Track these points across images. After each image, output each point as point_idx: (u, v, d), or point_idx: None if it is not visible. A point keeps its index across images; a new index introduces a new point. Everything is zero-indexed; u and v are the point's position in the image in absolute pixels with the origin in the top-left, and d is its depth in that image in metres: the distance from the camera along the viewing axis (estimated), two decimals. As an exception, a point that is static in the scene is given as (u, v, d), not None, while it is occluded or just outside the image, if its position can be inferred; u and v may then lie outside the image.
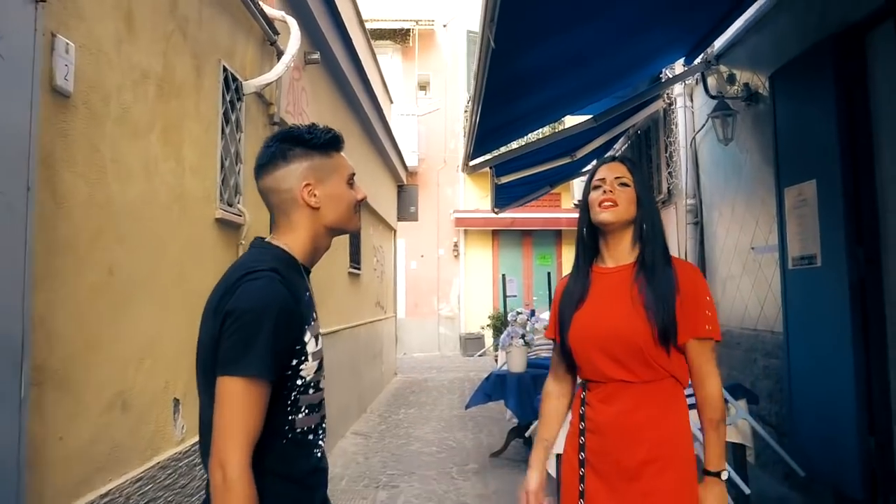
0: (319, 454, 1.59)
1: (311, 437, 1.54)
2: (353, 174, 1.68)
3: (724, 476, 1.92)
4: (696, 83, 6.30)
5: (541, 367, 6.19)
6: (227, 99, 3.73)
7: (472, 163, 5.70)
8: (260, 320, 1.38)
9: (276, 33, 4.40)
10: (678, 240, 6.78)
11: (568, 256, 16.36)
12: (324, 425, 1.61)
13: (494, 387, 5.94)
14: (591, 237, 2.10)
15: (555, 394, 2.20)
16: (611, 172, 2.06)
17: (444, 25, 17.20)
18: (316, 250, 1.64)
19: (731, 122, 5.42)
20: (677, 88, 6.54)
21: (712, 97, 5.78)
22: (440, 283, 16.62)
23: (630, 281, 2.00)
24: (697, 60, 5.98)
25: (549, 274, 11.85)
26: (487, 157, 6.02)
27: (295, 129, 1.65)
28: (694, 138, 6.42)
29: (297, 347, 1.47)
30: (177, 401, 3.03)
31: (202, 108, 3.37)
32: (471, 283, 16.61)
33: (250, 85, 3.96)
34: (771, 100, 4.68)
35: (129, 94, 2.64)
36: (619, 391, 1.96)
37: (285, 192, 1.58)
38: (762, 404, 4.82)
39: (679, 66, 6.35)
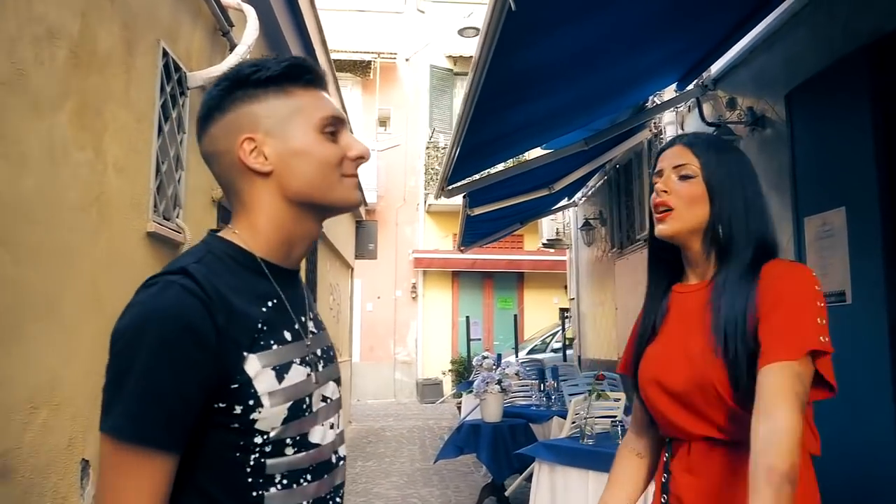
0: None
1: None
2: (335, 118, 1.11)
3: None
4: (689, 110, 5.87)
5: (518, 417, 5.60)
6: (168, 89, 3.09)
7: (449, 187, 5.13)
8: (132, 347, 0.93)
9: (231, 25, 3.80)
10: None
11: (530, 301, 15.87)
12: (338, 499, 1.12)
13: (467, 438, 5.30)
14: (662, 249, 1.57)
15: (631, 449, 1.65)
16: (670, 161, 1.51)
17: (407, 59, 16.80)
18: (288, 239, 1.10)
19: (733, 149, 4.96)
20: (667, 116, 6.10)
21: (709, 124, 5.33)
22: (397, 326, 15.90)
23: (703, 304, 1.44)
24: (691, 86, 5.55)
25: (515, 317, 11.25)
26: (465, 181, 5.46)
27: (237, 67, 1.12)
28: (684, 169, 5.96)
29: (233, 385, 0.97)
30: (85, 462, 2.32)
31: (133, 92, 2.72)
32: (429, 327, 15.92)
33: (196, 77, 3.33)
34: (787, 122, 4.23)
35: (29, 52, 1.99)
36: (706, 455, 1.42)
37: (224, 154, 1.08)
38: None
39: (669, 93, 5.92)
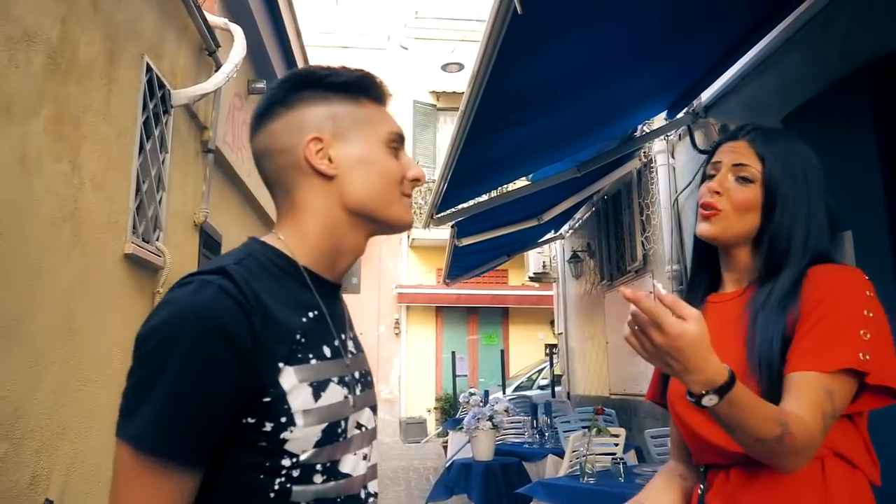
0: None
1: None
2: (400, 136, 1.09)
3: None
4: (680, 138, 5.81)
5: (510, 455, 5.39)
6: (151, 106, 2.94)
7: (438, 215, 5.00)
8: (164, 349, 0.85)
9: (217, 45, 3.67)
10: (656, 311, 6.16)
11: (515, 337, 15.69)
12: None
13: (457, 478, 5.07)
14: (707, 251, 1.43)
15: (671, 470, 1.49)
16: (730, 157, 1.35)
17: (391, 95, 16.80)
18: (336, 248, 1.05)
19: (728, 176, 4.89)
20: (657, 145, 6.03)
21: (702, 152, 5.27)
22: (380, 363, 15.61)
23: (740, 313, 1.29)
24: (681, 114, 5.50)
25: (501, 352, 11.07)
26: (454, 210, 5.34)
27: (309, 67, 1.10)
28: (677, 199, 5.88)
29: (265, 399, 0.89)
30: (49, 503, 2.11)
31: (115, 105, 2.57)
32: (412, 364, 15.65)
33: (181, 95, 3.19)
34: (784, 145, 4.15)
35: (2, 53, 1.84)
36: (746, 484, 1.23)
37: (283, 153, 1.03)
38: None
39: (659, 121, 5.86)
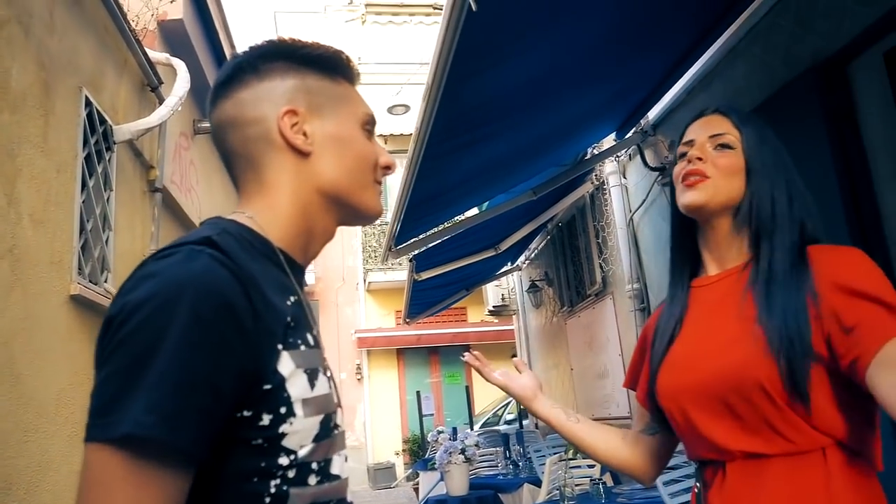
0: None
1: None
2: (374, 120, 1.03)
3: None
4: (630, 158, 5.86)
5: (486, 487, 5.26)
6: (92, 141, 2.82)
7: (397, 247, 4.91)
8: (160, 322, 0.71)
9: (160, 81, 3.57)
10: (620, 331, 6.15)
11: (478, 374, 15.54)
12: None
13: (433, 516, 4.91)
14: (685, 234, 1.37)
15: (624, 434, 1.45)
16: (704, 130, 1.32)
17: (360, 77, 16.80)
18: (308, 231, 0.96)
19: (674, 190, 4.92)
20: (609, 167, 6.08)
21: (653, 169, 5.32)
22: (344, 410, 15.28)
23: (739, 292, 1.22)
24: (630, 134, 5.55)
25: (466, 388, 10.92)
26: (412, 241, 5.27)
27: (280, 39, 1.02)
28: (632, 218, 5.91)
29: (266, 386, 0.78)
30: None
31: (52, 139, 2.45)
32: (377, 408, 15.37)
33: (123, 131, 3.07)
34: (736, 154, 4.20)
35: (-76, 74, 1.72)
36: (749, 478, 1.15)
37: (252, 123, 0.94)
38: None
39: (608, 143, 5.91)
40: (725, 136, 1.30)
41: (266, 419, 0.79)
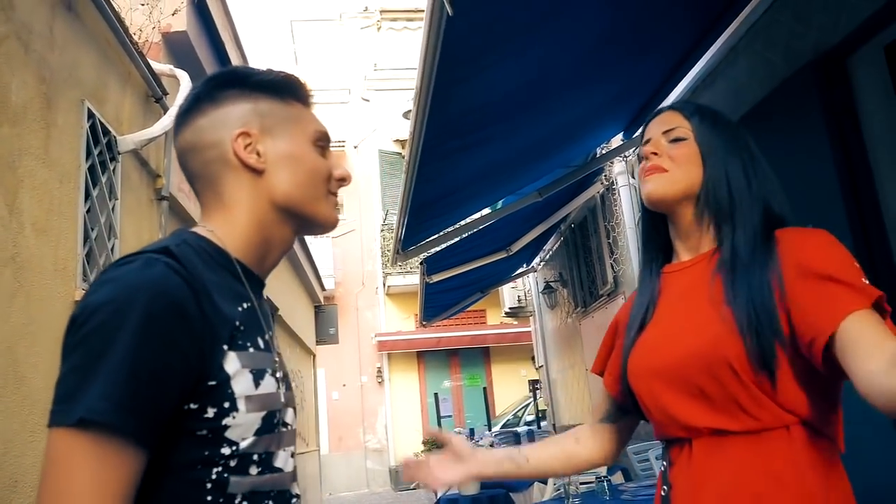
0: None
1: None
2: (327, 135, 1.11)
3: None
4: (639, 158, 5.85)
5: (497, 487, 5.28)
6: (96, 153, 2.90)
7: (404, 250, 4.96)
8: (116, 322, 0.80)
9: (164, 92, 3.65)
10: (632, 331, 6.14)
11: (498, 375, 15.57)
12: None
13: (445, 515, 4.95)
14: (654, 225, 1.42)
15: (576, 435, 1.49)
16: (658, 127, 1.36)
17: (355, 147, 16.92)
18: (264, 242, 1.05)
19: (688, 188, 4.92)
20: (617, 167, 6.09)
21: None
22: (365, 414, 15.39)
23: (709, 276, 1.26)
24: (637, 133, 5.56)
25: (484, 389, 10.95)
26: (420, 244, 5.31)
27: (234, 67, 1.16)
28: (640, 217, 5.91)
29: (211, 382, 0.87)
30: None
31: (54, 150, 2.53)
32: (398, 411, 15.45)
33: (127, 141, 3.15)
34: (737, 150, 4.20)
35: (-78, 91, 1.80)
36: (714, 452, 1.18)
37: (210, 147, 1.03)
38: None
39: (616, 143, 5.92)
40: (677, 129, 1.33)
41: (210, 412, 0.87)
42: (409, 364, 15.80)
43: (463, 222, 5.42)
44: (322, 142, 1.10)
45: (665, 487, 1.27)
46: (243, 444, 0.90)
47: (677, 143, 1.32)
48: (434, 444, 11.36)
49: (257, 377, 0.93)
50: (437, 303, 8.22)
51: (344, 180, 1.11)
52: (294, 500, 1.02)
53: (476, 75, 3.15)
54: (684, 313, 1.28)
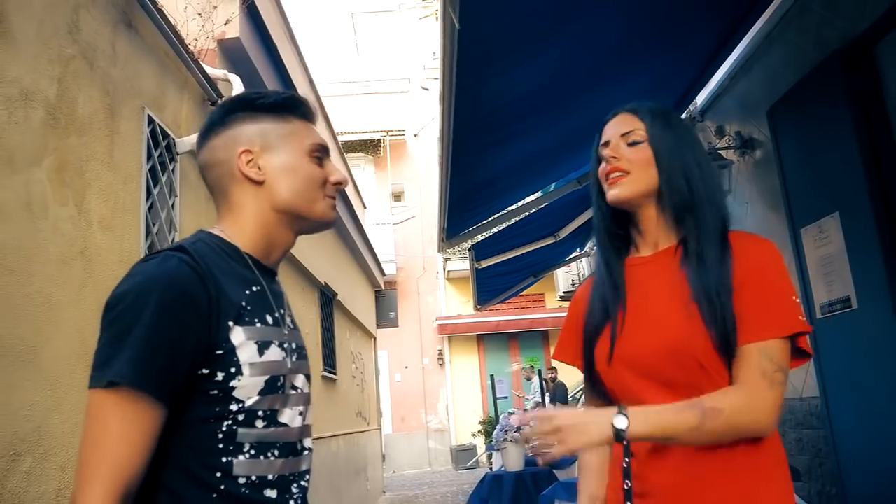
0: None
1: (267, 493, 1.12)
2: (322, 146, 1.30)
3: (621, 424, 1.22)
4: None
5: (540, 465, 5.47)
6: (156, 155, 3.21)
7: (449, 238, 5.17)
8: (138, 306, 1.04)
9: (220, 95, 3.95)
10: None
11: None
12: (303, 483, 1.21)
13: (490, 490, 5.18)
14: (613, 219, 1.51)
15: (600, 463, 1.55)
16: (616, 129, 1.47)
17: (416, 135, 17.18)
18: (269, 241, 1.27)
19: (728, 174, 4.98)
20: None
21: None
22: (427, 395, 15.75)
23: (674, 270, 1.39)
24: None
25: (539, 371, 11.10)
26: (464, 232, 5.50)
27: (244, 93, 1.37)
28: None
29: (218, 352, 1.09)
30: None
31: (118, 155, 2.83)
32: (458, 392, 15.76)
33: (185, 142, 3.45)
34: (772, 137, 4.25)
35: (0, 111, 2.10)
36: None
37: (221, 164, 1.25)
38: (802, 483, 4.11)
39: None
40: (633, 132, 1.44)
41: (220, 376, 1.09)
42: (469, 347, 16.06)
43: (505, 210, 5.57)
44: (318, 152, 1.28)
45: (626, 460, 1.29)
46: (248, 402, 1.11)
47: (634, 147, 1.43)
48: (489, 425, 11.50)
49: (262, 348, 1.13)
50: (490, 287, 8.39)
51: (340, 183, 1.31)
52: (305, 452, 1.21)
53: (508, 70, 3.30)
54: (650, 307, 1.40)
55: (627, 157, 1.43)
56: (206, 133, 1.28)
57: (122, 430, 1.00)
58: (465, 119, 3.29)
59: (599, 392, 1.50)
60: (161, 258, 1.10)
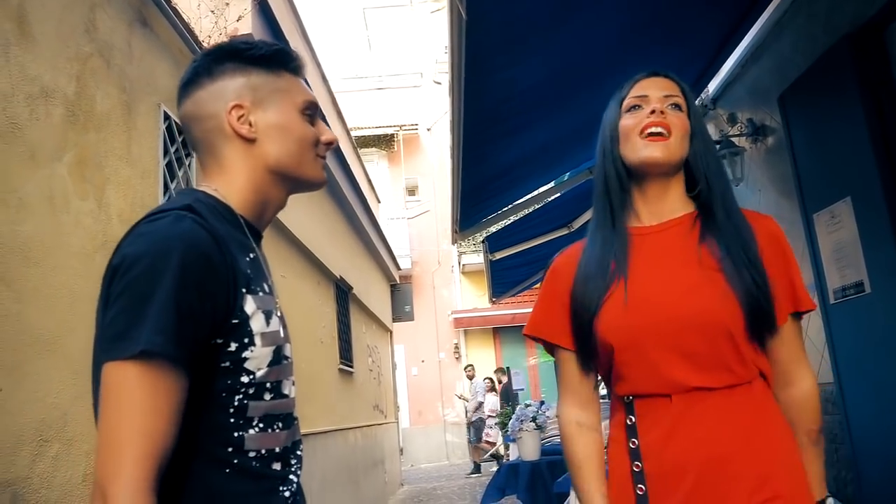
0: (289, 494, 1.09)
1: (274, 466, 1.07)
2: (314, 104, 1.22)
3: None
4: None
5: (558, 454, 5.50)
6: (172, 150, 3.27)
7: (462, 231, 5.21)
8: (157, 269, 0.94)
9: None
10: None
11: (574, 351, 15.63)
12: (298, 452, 1.15)
13: (507, 479, 5.22)
14: (622, 184, 1.42)
15: (588, 425, 1.45)
16: (657, 88, 1.40)
17: (429, 129, 17.20)
18: (260, 202, 1.18)
19: (740, 161, 4.98)
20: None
21: (714, 142, 5.36)
22: (444, 388, 15.81)
23: (695, 239, 1.36)
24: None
25: (555, 363, 11.10)
26: (478, 224, 5.53)
27: (230, 41, 1.26)
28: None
29: (234, 321, 1.01)
30: (102, 500, 2.38)
31: (135, 150, 2.89)
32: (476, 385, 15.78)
33: (200, 138, 3.51)
34: (783, 123, 4.25)
35: (22, 108, 2.16)
36: (692, 407, 1.29)
37: (208, 118, 1.14)
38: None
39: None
40: (677, 97, 1.39)
41: (233, 346, 1.02)
42: (486, 340, 16.10)
43: (519, 201, 5.59)
44: (309, 110, 1.20)
45: (634, 440, 1.32)
46: (258, 374, 1.04)
47: (677, 112, 1.38)
48: (506, 417, 11.50)
49: (268, 317, 1.07)
50: (504, 279, 8.40)
51: (331, 143, 1.23)
52: (295, 422, 1.17)
53: (514, 62, 3.33)
54: (670, 276, 1.34)
55: (672, 119, 1.37)
56: (190, 83, 1.16)
57: (154, 403, 0.92)
58: (475, 109, 3.33)
59: (587, 358, 1.42)
60: (173, 217, 1.00)
